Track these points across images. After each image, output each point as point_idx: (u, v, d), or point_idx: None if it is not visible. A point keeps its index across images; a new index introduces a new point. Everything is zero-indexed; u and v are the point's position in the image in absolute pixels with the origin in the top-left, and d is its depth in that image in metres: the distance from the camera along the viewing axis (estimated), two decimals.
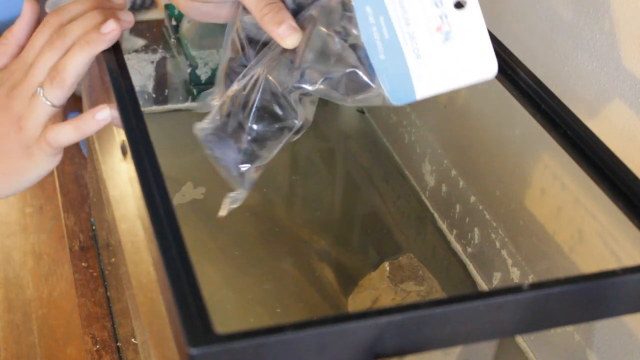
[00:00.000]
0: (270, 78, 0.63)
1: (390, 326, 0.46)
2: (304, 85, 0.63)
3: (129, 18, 0.69)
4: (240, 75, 0.66)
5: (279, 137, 0.66)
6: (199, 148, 1.14)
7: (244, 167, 0.67)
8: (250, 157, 0.66)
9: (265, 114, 0.65)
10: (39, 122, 0.68)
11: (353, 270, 0.94)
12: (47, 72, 0.68)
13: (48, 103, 0.68)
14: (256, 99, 0.64)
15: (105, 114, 0.67)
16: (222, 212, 0.71)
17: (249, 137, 0.65)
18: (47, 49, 0.68)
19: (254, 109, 0.64)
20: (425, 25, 0.60)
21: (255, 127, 0.65)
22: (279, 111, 0.64)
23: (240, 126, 0.65)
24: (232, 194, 0.70)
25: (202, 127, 0.68)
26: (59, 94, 0.67)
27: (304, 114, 0.65)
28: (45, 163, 0.70)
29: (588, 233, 0.77)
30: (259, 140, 0.65)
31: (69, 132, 0.68)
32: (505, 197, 0.89)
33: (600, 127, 0.64)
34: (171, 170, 1.07)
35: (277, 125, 0.65)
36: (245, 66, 0.66)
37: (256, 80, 0.64)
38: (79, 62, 0.67)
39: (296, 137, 0.66)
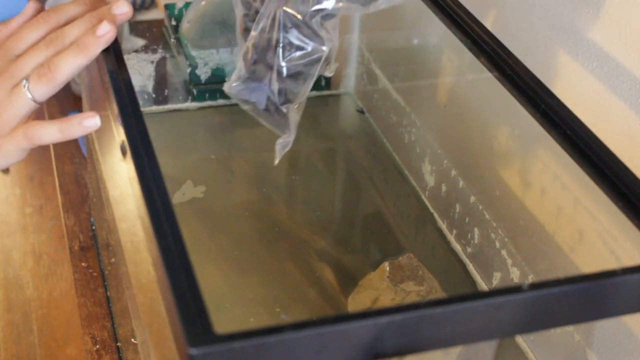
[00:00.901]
0: (288, 9, 0.63)
1: (390, 326, 0.46)
2: (323, 6, 0.62)
3: (124, 10, 0.69)
4: (256, 21, 0.65)
5: (310, 69, 0.66)
6: (198, 148, 1.14)
7: (286, 108, 0.67)
8: (288, 96, 0.66)
9: (291, 48, 0.64)
10: (16, 114, 0.67)
11: (353, 270, 0.94)
12: (34, 67, 0.67)
13: (30, 97, 0.67)
14: (279, 35, 0.64)
15: (93, 122, 0.66)
16: (276, 160, 0.71)
17: (282, 76, 0.65)
18: (42, 46, 0.68)
19: (280, 46, 0.64)
20: None
21: (284, 63, 0.65)
22: (304, 42, 0.64)
23: (270, 68, 0.65)
24: (280, 140, 0.70)
25: (232, 84, 0.68)
26: (44, 91, 0.67)
27: (330, 39, 0.65)
28: (11, 156, 0.68)
29: (588, 233, 0.77)
30: (292, 76, 0.65)
31: (53, 133, 0.67)
32: (505, 197, 0.89)
33: (600, 127, 0.64)
34: (171, 170, 1.07)
35: (305, 57, 0.65)
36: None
37: (274, 18, 0.64)
38: (74, 64, 0.66)
39: (327, 68, 0.66)
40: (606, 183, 0.59)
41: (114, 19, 0.67)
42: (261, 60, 0.65)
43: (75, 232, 1.09)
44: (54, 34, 0.68)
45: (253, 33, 0.65)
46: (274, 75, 0.65)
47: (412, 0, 1.02)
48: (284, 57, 0.64)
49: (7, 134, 0.68)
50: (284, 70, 0.65)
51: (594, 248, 0.76)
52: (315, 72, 0.66)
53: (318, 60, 0.65)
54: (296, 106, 0.67)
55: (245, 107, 0.68)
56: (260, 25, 0.64)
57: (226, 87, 0.69)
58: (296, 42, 0.64)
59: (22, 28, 0.70)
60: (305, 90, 0.66)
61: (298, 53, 0.64)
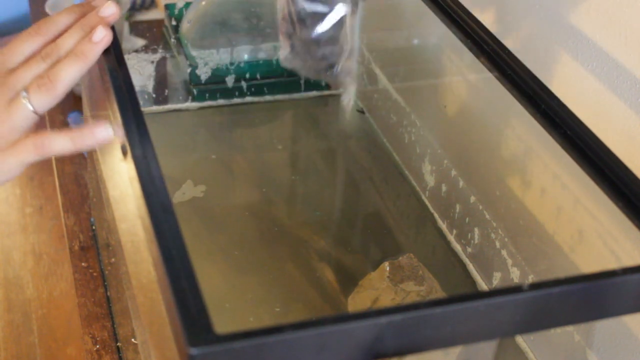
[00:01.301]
0: None
1: (390, 326, 0.46)
2: None
3: (111, 11, 0.68)
4: None
5: (340, 25, 0.65)
6: (198, 148, 1.14)
7: (331, 72, 0.67)
8: (331, 58, 0.67)
9: (312, 19, 0.64)
10: (15, 127, 0.66)
11: (353, 270, 0.94)
12: (33, 79, 0.66)
13: (31, 108, 0.65)
14: (297, 11, 0.64)
15: (105, 133, 0.65)
16: (347, 111, 0.72)
17: (317, 44, 0.65)
18: (38, 58, 0.67)
19: (299, 20, 0.64)
20: None
21: (312, 34, 0.65)
22: (321, 11, 0.64)
23: (302, 40, 0.65)
24: (343, 96, 0.71)
25: (283, 56, 0.68)
26: (44, 101, 0.66)
27: None
28: (12, 171, 0.66)
29: (588, 233, 0.77)
30: (326, 40, 0.65)
31: (65, 143, 0.66)
32: (505, 197, 0.89)
33: (600, 127, 0.64)
34: (171, 170, 1.07)
35: (329, 22, 0.65)
36: None
37: None
38: (73, 72, 0.66)
39: (360, 9, 0.67)
40: (606, 183, 0.59)
41: (104, 22, 0.67)
42: (293, 33, 0.65)
43: (75, 232, 1.09)
44: (49, 47, 0.67)
45: (278, 9, 0.65)
46: (311, 45, 0.65)
47: (412, 0, 1.02)
48: (309, 30, 0.64)
49: (9, 148, 0.66)
50: (315, 39, 0.65)
51: (594, 248, 0.76)
52: (347, 25, 0.66)
53: (342, 19, 0.65)
54: (343, 64, 0.67)
55: (302, 73, 0.69)
56: (280, 3, 0.65)
57: (281, 58, 0.69)
58: (314, 12, 0.64)
59: (15, 41, 0.68)
60: (345, 43, 0.66)
61: (320, 22, 0.64)
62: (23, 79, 0.67)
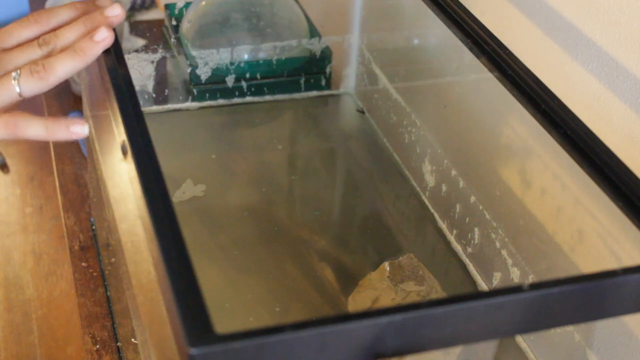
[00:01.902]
0: None
1: (390, 326, 0.46)
2: None
3: (116, 12, 0.68)
4: None
5: None
6: (198, 147, 1.14)
7: None
8: None
9: None
10: None
11: (353, 270, 0.94)
12: (27, 63, 0.67)
13: (17, 90, 0.66)
14: None
15: (80, 129, 0.66)
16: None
17: None
18: (35, 44, 0.67)
19: None
20: None
21: None
22: None
23: None
24: None
25: None
26: (33, 87, 0.66)
27: None
28: None
29: (588, 233, 0.77)
30: None
31: (39, 130, 0.66)
32: (505, 197, 0.89)
33: (600, 127, 0.64)
34: (171, 170, 1.07)
35: None
36: None
37: None
38: (69, 67, 0.66)
39: None
40: (606, 183, 0.59)
41: (108, 23, 0.67)
42: None
43: (75, 232, 1.09)
44: (48, 36, 0.68)
45: None
46: None
47: (412, 0, 1.02)
48: None
49: None
50: None
51: (594, 248, 0.76)
52: None
53: None
54: None
55: None
56: None
57: None
58: None
59: (12, 24, 0.69)
60: None
61: None
62: (16, 60, 0.67)
